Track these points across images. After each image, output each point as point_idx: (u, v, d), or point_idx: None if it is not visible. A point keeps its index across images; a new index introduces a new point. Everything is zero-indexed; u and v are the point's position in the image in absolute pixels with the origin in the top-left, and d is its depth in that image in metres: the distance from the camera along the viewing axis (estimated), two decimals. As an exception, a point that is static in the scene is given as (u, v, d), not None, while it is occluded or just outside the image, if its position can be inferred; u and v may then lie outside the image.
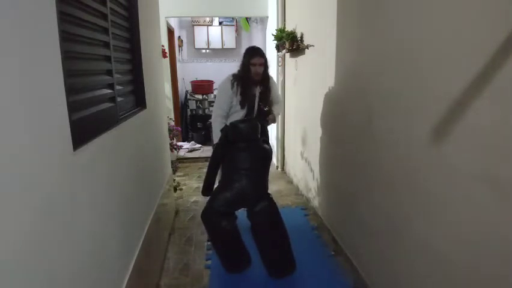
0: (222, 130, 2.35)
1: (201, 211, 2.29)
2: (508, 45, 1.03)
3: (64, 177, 0.99)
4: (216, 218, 2.21)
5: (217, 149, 2.36)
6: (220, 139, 2.33)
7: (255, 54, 2.57)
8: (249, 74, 2.57)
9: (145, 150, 2.14)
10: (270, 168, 2.51)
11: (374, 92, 1.93)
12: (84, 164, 1.14)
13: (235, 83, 2.60)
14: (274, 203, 2.29)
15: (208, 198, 2.33)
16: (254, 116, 2.69)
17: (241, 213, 2.48)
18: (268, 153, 2.37)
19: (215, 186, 2.41)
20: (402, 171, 1.65)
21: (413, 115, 1.53)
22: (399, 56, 1.64)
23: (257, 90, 2.66)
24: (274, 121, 2.86)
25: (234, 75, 2.65)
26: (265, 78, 2.66)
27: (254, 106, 2.67)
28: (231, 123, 2.31)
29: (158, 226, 2.38)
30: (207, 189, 2.38)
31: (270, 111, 2.79)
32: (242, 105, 2.61)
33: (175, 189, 3.41)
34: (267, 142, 2.47)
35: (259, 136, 2.32)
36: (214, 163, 2.36)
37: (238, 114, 2.64)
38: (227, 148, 2.27)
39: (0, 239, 0.68)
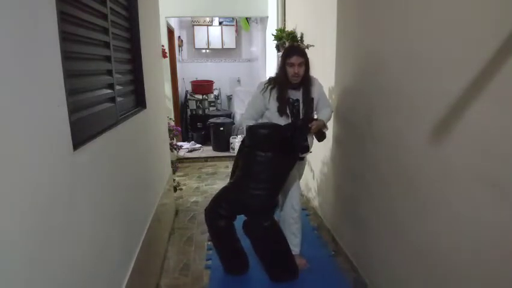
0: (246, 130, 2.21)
1: (204, 209, 2.29)
2: (509, 45, 1.03)
3: (64, 177, 0.99)
4: (213, 216, 2.21)
5: (240, 150, 2.31)
6: (242, 141, 2.27)
7: (292, 52, 2.16)
8: (286, 76, 2.16)
9: (145, 150, 2.14)
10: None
11: (374, 92, 1.93)
12: (84, 164, 1.14)
13: (269, 87, 2.21)
14: (267, 229, 2.10)
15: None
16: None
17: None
18: (286, 165, 2.12)
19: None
20: (402, 171, 1.65)
21: (413, 115, 1.54)
22: (400, 56, 1.64)
23: (300, 96, 2.22)
24: (322, 127, 2.26)
25: (269, 79, 2.29)
26: (307, 80, 2.21)
27: (299, 115, 2.22)
28: (250, 126, 2.14)
29: (158, 226, 2.38)
30: None
31: (312, 119, 2.25)
32: (280, 113, 2.18)
33: (175, 189, 3.40)
34: (293, 151, 2.15)
35: (277, 146, 2.07)
36: (235, 163, 2.33)
37: (281, 123, 2.18)
38: (245, 150, 2.19)
39: (0, 238, 0.68)
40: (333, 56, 2.52)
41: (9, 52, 0.74)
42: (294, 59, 2.12)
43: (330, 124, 2.69)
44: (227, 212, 2.17)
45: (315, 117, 2.34)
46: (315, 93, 2.26)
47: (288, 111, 2.19)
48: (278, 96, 2.19)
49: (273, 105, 2.20)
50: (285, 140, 2.09)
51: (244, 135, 2.25)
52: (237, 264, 2.32)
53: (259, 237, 2.15)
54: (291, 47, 2.40)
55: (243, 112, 2.44)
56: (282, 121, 2.19)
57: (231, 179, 2.37)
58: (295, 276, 2.23)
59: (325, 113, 2.31)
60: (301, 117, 2.23)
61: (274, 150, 2.07)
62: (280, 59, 2.25)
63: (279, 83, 2.20)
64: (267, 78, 2.34)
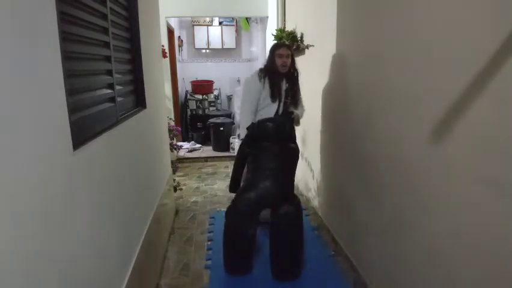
0: (248, 128, 2.33)
1: (226, 210, 2.28)
2: (509, 45, 1.03)
3: (64, 177, 0.99)
4: (239, 218, 2.20)
5: (243, 146, 2.35)
6: (246, 136, 2.33)
7: (280, 45, 2.51)
8: (275, 66, 2.46)
9: (145, 150, 2.14)
10: None
11: (374, 92, 1.93)
12: (84, 164, 1.14)
13: (262, 76, 2.50)
14: (300, 208, 2.24)
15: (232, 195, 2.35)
16: (281, 112, 2.55)
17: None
18: (295, 153, 2.34)
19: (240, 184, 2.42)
20: (402, 171, 1.65)
21: (413, 115, 1.54)
22: (400, 56, 1.64)
23: (283, 86, 2.53)
24: (297, 124, 2.63)
25: (260, 69, 2.56)
26: (293, 73, 2.55)
27: (281, 102, 2.54)
28: (258, 121, 2.29)
29: (158, 226, 2.38)
30: (233, 186, 2.39)
31: (291, 112, 2.57)
32: (273, 98, 2.48)
33: (175, 189, 3.40)
34: (294, 142, 2.43)
35: (286, 135, 2.28)
36: (240, 160, 2.35)
37: (270, 109, 2.50)
38: (253, 146, 2.26)
39: (0, 239, 0.68)
40: (333, 55, 2.52)
41: (9, 52, 0.74)
42: (283, 50, 2.45)
43: (330, 124, 2.70)
44: (251, 208, 2.19)
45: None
46: (298, 87, 2.61)
47: (281, 97, 2.50)
48: (271, 84, 2.47)
49: (267, 91, 2.48)
50: (286, 130, 2.31)
51: (245, 133, 2.37)
52: (243, 265, 2.31)
53: (290, 224, 2.18)
54: (280, 42, 2.72)
55: None
56: (272, 107, 2.48)
57: (232, 179, 2.37)
58: (296, 276, 2.24)
59: (300, 111, 2.65)
60: (281, 105, 2.52)
61: (282, 140, 2.24)
62: (269, 52, 2.54)
63: (271, 72, 2.48)
64: (257, 69, 2.58)
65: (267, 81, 2.48)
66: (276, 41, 3.75)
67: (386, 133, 1.80)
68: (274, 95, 2.47)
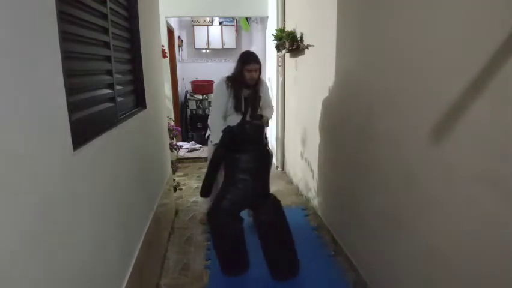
0: (223, 131, 2.36)
1: (207, 212, 2.29)
2: (509, 45, 1.03)
3: (64, 177, 0.99)
4: (223, 218, 2.20)
5: (217, 150, 2.36)
6: (222, 140, 2.34)
7: (250, 60, 2.55)
8: (243, 78, 2.56)
9: (145, 150, 2.14)
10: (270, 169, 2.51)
11: (374, 92, 1.93)
12: (84, 164, 1.14)
13: (230, 85, 2.60)
14: (279, 202, 2.30)
15: (205, 199, 2.35)
16: (247, 119, 2.64)
17: (244, 214, 2.48)
18: (270, 154, 2.40)
19: (217, 187, 2.43)
20: (402, 171, 1.65)
21: (413, 115, 1.54)
22: (399, 56, 1.64)
23: (249, 94, 2.65)
24: (266, 125, 2.76)
25: (228, 78, 2.64)
26: (257, 82, 2.66)
27: (247, 110, 2.65)
28: (237, 124, 2.34)
29: (158, 226, 2.38)
30: (206, 190, 2.39)
31: (261, 115, 2.70)
32: (236, 109, 2.61)
33: (175, 189, 3.41)
34: (267, 144, 2.50)
35: (262, 137, 2.34)
36: (214, 164, 2.36)
37: (233, 118, 2.60)
38: (229, 149, 2.28)
39: None
40: (333, 55, 2.52)
41: (9, 52, 0.74)
42: (252, 66, 2.52)
43: (331, 123, 2.70)
44: (234, 209, 2.20)
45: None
46: (262, 93, 2.70)
47: (242, 109, 2.62)
48: (235, 95, 2.59)
49: (231, 101, 2.60)
50: (263, 132, 2.44)
51: (219, 136, 2.42)
52: (238, 266, 2.31)
53: (276, 217, 2.23)
54: (250, 55, 2.63)
55: None
56: (236, 116, 2.59)
57: (204, 183, 2.40)
58: (295, 273, 2.25)
59: (268, 112, 2.76)
60: (248, 112, 2.62)
61: (258, 142, 2.33)
62: (238, 62, 2.59)
63: (239, 82, 2.58)
64: (225, 76, 2.66)
65: (232, 91, 2.58)
66: (276, 41, 3.76)
67: (387, 133, 1.80)
68: (238, 107, 2.60)
